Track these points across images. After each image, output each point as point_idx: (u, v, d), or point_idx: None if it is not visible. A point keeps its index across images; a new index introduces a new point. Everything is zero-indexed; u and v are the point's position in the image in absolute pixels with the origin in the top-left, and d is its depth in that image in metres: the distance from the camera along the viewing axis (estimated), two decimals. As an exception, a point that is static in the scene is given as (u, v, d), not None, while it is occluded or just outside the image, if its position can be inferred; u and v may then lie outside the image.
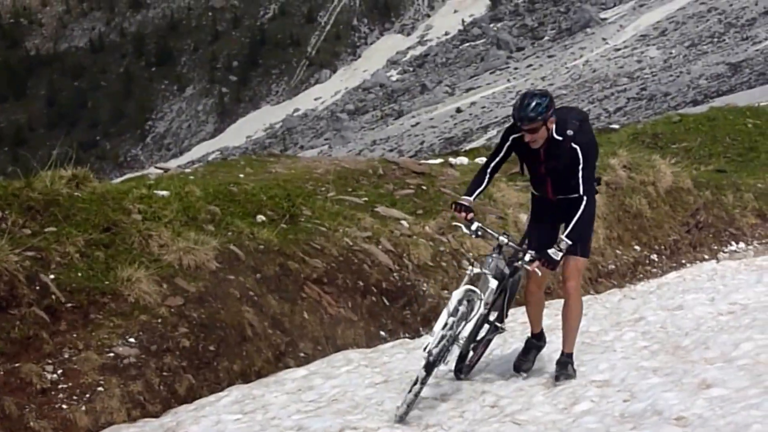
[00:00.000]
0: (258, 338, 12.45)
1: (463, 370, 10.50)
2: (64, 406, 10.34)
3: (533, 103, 9.28)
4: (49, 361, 10.73)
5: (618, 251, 20.35)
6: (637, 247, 20.86)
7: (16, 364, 10.54)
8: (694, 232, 22.32)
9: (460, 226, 9.88)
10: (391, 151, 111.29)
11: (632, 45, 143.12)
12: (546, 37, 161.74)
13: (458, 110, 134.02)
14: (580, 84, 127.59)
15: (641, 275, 19.95)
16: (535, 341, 10.72)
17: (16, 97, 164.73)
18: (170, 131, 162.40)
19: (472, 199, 9.81)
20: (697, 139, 30.43)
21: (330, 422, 9.13)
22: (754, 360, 9.88)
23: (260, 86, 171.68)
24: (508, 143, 9.85)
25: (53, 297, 11.39)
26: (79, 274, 11.82)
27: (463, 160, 24.23)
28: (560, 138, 9.45)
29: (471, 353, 10.54)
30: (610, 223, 20.78)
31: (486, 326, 10.51)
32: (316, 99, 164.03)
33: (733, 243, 22.44)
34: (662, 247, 21.37)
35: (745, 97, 64.54)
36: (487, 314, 10.13)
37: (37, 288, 11.36)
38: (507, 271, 10.15)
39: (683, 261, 20.97)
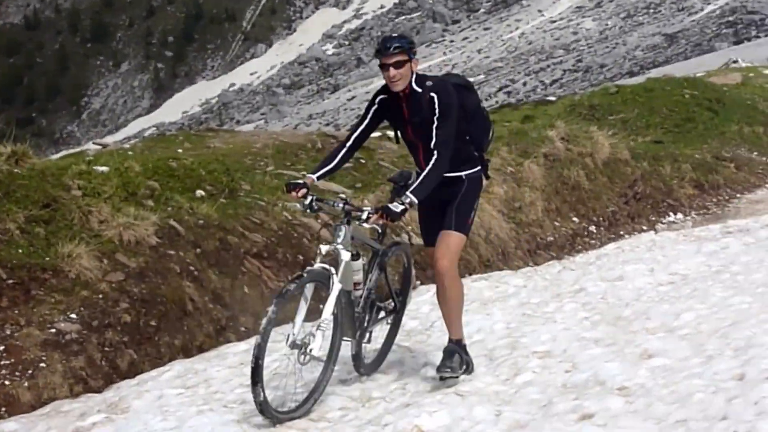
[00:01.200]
0: (199, 313, 12.46)
1: (362, 366, 9.57)
2: (7, 383, 10.29)
3: (398, 37, 8.74)
4: None
5: (556, 223, 20.55)
6: (575, 219, 21.06)
7: None
8: (632, 203, 22.59)
9: (295, 206, 9.32)
10: (327, 124, 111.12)
11: (568, 17, 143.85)
12: (482, 10, 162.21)
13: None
14: (516, 56, 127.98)
15: (580, 247, 20.11)
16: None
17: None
18: (106, 107, 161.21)
19: (314, 177, 8.89)
20: (634, 111, 30.74)
21: (272, 395, 9.17)
22: (696, 330, 9.98)
23: (196, 61, 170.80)
24: (375, 107, 9.05)
25: None
26: (20, 251, 11.78)
27: (401, 133, 24.34)
28: (419, 89, 8.71)
29: (363, 345, 9.49)
30: (548, 194, 21.01)
31: (380, 312, 9.78)
32: (252, 74, 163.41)
33: (671, 214, 22.73)
34: (601, 218, 21.60)
35: (682, 68, 65.09)
36: (367, 296, 9.32)
37: None
38: (370, 243, 9.62)
39: (622, 232, 21.19)
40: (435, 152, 8.51)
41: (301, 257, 14.69)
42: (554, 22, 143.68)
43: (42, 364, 10.60)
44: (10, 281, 11.37)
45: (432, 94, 8.61)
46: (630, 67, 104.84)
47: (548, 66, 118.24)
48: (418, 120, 8.70)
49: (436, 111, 8.56)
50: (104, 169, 14.80)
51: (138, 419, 9.16)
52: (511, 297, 13.23)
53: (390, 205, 8.34)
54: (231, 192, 15.44)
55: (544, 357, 9.69)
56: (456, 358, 8.95)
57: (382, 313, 9.80)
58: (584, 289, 13.11)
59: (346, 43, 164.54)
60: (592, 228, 21.04)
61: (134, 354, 11.46)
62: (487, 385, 8.96)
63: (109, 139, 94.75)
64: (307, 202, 8.67)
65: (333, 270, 8.49)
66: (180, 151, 20.24)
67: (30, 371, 10.46)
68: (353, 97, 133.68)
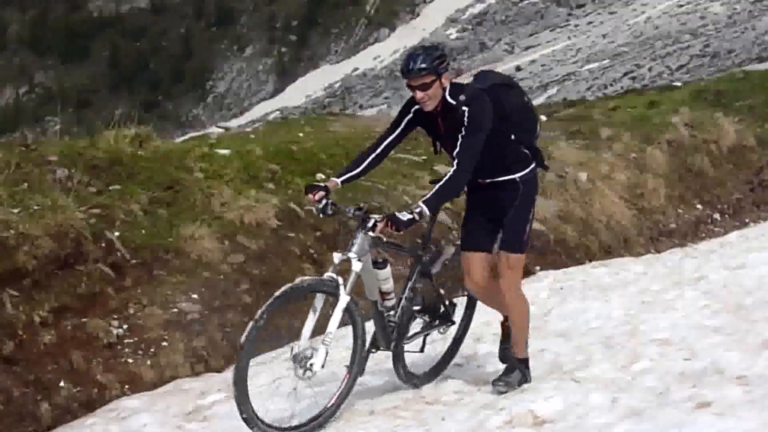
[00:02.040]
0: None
1: (409, 376, 8.93)
2: (130, 361, 10.48)
3: (423, 55, 7.97)
4: (115, 317, 10.89)
5: (680, 210, 20.22)
6: (699, 206, 20.68)
7: (83, 320, 10.69)
8: (757, 190, 21.97)
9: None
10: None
11: (695, 1, 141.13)
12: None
13: (518, 68, 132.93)
14: (642, 41, 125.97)
15: (703, 234, 19.71)
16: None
17: (80, 58, 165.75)
18: (230, 91, 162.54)
19: (338, 180, 8.38)
20: (761, 97, 30.04)
21: (388, 378, 9.12)
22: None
23: (319, 46, 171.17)
24: (408, 116, 8.37)
25: (118, 254, 11.57)
26: (143, 232, 11.98)
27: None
28: (454, 102, 8.01)
29: (406, 354, 8.88)
30: (671, 181, 20.67)
31: (422, 321, 9.11)
32: (375, 58, 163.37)
33: (798, 202, 22.11)
34: (725, 205, 21.14)
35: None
36: (407, 305, 8.72)
37: (103, 245, 11.51)
38: (405, 250, 9.43)
39: (747, 220, 20.67)
40: (455, 162, 7.91)
41: (419, 241, 14.71)
42: (681, 6, 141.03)
43: (164, 343, 10.77)
44: (134, 261, 11.59)
45: (464, 108, 7.95)
46: (759, 52, 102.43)
47: (674, 51, 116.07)
48: (452, 138, 8.01)
49: (465, 123, 7.90)
50: (226, 152, 15.06)
51: (256, 399, 9.11)
52: (630, 284, 13.06)
53: (397, 213, 7.80)
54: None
55: (662, 344, 9.46)
56: (515, 375, 8.54)
57: (434, 322, 9.15)
58: (706, 276, 12.83)
59: (470, 27, 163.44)
60: (716, 215, 20.63)
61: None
62: (604, 371, 8.81)
63: (233, 123, 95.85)
64: (322, 206, 8.21)
65: (340, 280, 7.90)
66: (301, 134, 20.31)
67: (152, 350, 10.64)
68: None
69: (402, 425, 7.98)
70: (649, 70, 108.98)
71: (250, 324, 7.61)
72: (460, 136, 7.88)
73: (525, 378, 8.53)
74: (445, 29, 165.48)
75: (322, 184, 8.30)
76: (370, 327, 8.62)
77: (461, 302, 9.54)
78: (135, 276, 11.48)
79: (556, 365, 9.27)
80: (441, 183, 7.91)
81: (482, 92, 8.08)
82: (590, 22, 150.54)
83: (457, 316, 9.39)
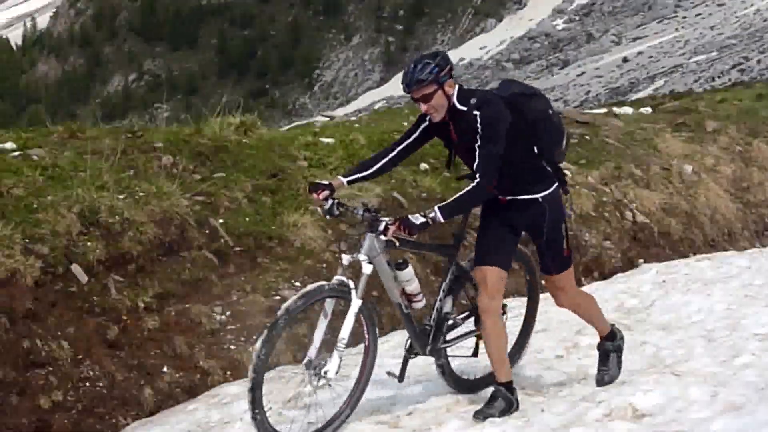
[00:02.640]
0: (422, 284, 12.54)
1: (456, 382, 8.65)
2: (232, 347, 10.55)
3: (421, 64, 7.54)
4: (218, 303, 10.97)
5: (786, 204, 20.00)
6: (807, 199, 20.43)
7: (187, 306, 10.79)
8: None
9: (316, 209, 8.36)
10: (555, 100, 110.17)
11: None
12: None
13: (624, 60, 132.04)
14: (750, 33, 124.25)
15: (810, 228, 19.53)
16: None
17: (189, 46, 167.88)
18: (337, 80, 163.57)
19: (345, 180, 8.11)
20: None
21: (489, 369, 9.16)
22: None
23: (426, 35, 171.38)
24: (424, 124, 8.01)
25: (222, 240, 11.66)
26: (247, 219, 12.06)
27: (628, 110, 24.11)
28: (464, 108, 7.60)
29: (448, 359, 8.57)
30: (776, 174, 20.46)
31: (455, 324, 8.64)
32: (481, 48, 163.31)
33: None
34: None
35: None
36: (441, 307, 8.37)
37: (207, 232, 11.62)
38: (430, 249, 9.40)
39: None
40: (477, 175, 7.46)
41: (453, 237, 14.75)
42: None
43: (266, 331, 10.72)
44: (237, 248, 11.67)
45: (475, 112, 7.51)
46: None
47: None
48: (467, 144, 7.62)
49: (479, 130, 7.45)
50: (330, 140, 15.11)
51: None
52: (733, 278, 12.91)
53: (410, 216, 7.45)
54: (454, 167, 15.47)
55: (764, 339, 9.41)
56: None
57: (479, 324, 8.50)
58: (811, 272, 12.62)
59: (577, 18, 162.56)
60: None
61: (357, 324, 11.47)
62: (704, 365, 8.74)
63: (339, 112, 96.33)
64: (328, 206, 7.86)
65: (352, 284, 7.69)
66: (405, 124, 20.38)
67: (254, 337, 10.41)
68: (582, 73, 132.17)
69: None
70: (758, 62, 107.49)
71: (264, 333, 7.48)
72: (476, 147, 7.47)
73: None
74: (551, 20, 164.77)
75: (326, 182, 7.98)
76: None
77: (520, 303, 9.57)
78: (238, 263, 11.53)
79: (656, 358, 9.25)
80: (462, 192, 7.54)
81: (495, 96, 7.74)
82: (698, 14, 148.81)
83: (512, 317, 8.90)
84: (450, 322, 8.42)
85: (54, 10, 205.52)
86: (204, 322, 10.68)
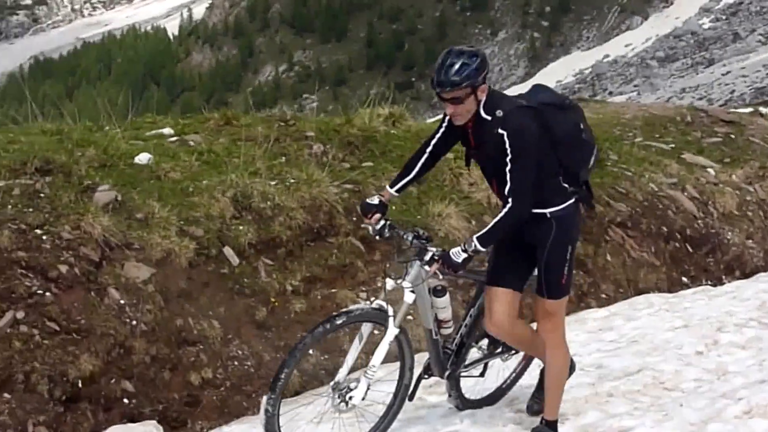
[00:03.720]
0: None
1: (463, 401, 8.21)
2: (376, 332, 10.43)
3: (458, 63, 6.72)
4: (363, 289, 11.07)
5: None
6: None
7: (333, 290, 10.93)
8: None
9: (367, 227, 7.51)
10: (700, 99, 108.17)
11: None
12: None
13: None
14: None
15: None
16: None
17: (338, 38, 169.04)
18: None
19: (393, 190, 7.56)
20: None
21: (629, 362, 9.09)
22: None
23: (571, 32, 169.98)
24: (445, 124, 7.37)
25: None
26: (393, 208, 11.80)
27: (774, 110, 23.57)
28: (488, 117, 6.83)
29: (461, 380, 8.11)
30: None
31: (484, 349, 8.17)
32: (626, 45, 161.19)
33: None
34: None
35: None
36: (467, 332, 7.85)
37: (354, 219, 11.61)
38: (469, 276, 8.22)
39: None
40: (509, 199, 6.77)
41: (664, 228, 14.48)
42: None
43: (409, 317, 10.42)
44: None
45: (501, 131, 6.73)
46: None
47: None
48: (484, 153, 7.00)
49: (508, 152, 6.72)
50: None
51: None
52: None
53: (452, 253, 6.91)
54: (598, 161, 15.38)
55: None
56: None
57: (496, 349, 8.15)
58: None
59: (723, 17, 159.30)
60: None
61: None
62: None
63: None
64: (378, 227, 7.35)
65: (391, 311, 7.16)
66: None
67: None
68: (728, 72, 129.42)
69: (640, 408, 7.94)
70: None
71: (284, 366, 6.96)
72: (508, 169, 6.73)
73: None
74: (698, 18, 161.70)
75: (376, 202, 7.45)
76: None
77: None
78: (384, 250, 11.46)
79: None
80: (497, 218, 6.86)
81: (521, 109, 6.91)
82: None
83: None
84: (471, 348, 7.97)
85: (210, 1, 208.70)
86: (350, 306, 10.46)
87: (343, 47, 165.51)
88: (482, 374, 8.16)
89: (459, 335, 7.75)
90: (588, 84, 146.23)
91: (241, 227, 10.78)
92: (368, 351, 7.32)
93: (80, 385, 8.79)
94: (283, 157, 12.38)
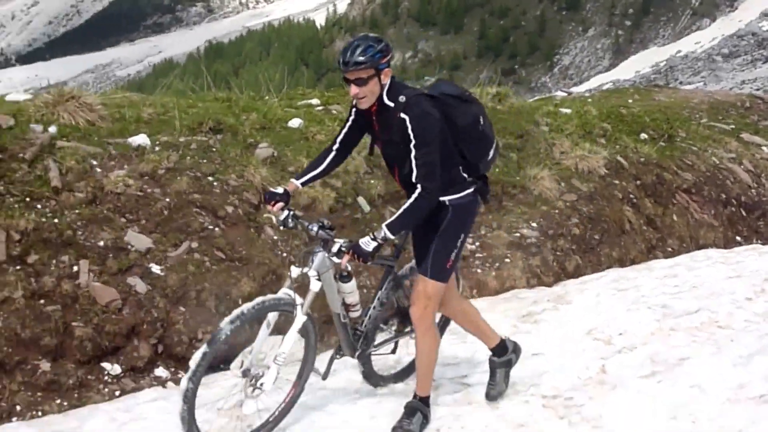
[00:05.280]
0: (634, 232, 12.32)
1: (375, 378, 7.26)
2: (479, 271, 10.53)
3: (363, 46, 5.88)
4: (471, 236, 10.81)
5: None
6: None
7: None
8: None
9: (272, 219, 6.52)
10: (758, 89, 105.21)
11: None
12: None
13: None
14: None
15: None
16: (497, 358, 6.99)
17: (455, 31, 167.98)
18: (573, 64, 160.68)
19: (298, 183, 6.44)
20: None
21: (689, 304, 8.92)
22: None
23: (650, 30, 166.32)
24: (351, 117, 6.41)
25: None
26: (496, 170, 11.95)
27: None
28: (391, 103, 5.94)
29: (373, 358, 7.16)
30: None
31: (394, 329, 7.20)
32: (696, 43, 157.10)
33: None
34: None
35: None
36: (376, 315, 6.83)
37: None
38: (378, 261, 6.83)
39: None
40: (418, 185, 5.84)
41: (723, 195, 14.30)
42: None
43: (506, 260, 10.78)
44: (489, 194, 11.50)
45: (403, 115, 5.86)
46: None
47: None
48: (387, 139, 6.07)
49: (411, 138, 5.84)
50: (567, 111, 15.08)
51: (577, 311, 9.20)
52: None
53: (361, 242, 5.91)
54: (669, 137, 15.20)
55: None
56: (417, 417, 6.47)
57: (405, 328, 7.14)
58: None
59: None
60: None
61: (579, 259, 11.44)
62: None
63: (573, 89, 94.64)
64: (282, 217, 6.31)
65: (298, 299, 6.19)
66: (630, 101, 20.07)
67: (497, 264, 10.66)
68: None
69: (697, 342, 7.85)
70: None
71: (203, 347, 5.87)
72: (413, 155, 5.86)
73: (426, 419, 6.53)
74: (758, 21, 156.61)
75: (280, 191, 6.38)
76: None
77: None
78: (487, 206, 11.39)
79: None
80: (404, 207, 5.88)
81: (423, 97, 6.04)
82: None
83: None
84: (380, 329, 7.04)
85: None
86: None
87: (459, 38, 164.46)
88: (393, 351, 7.24)
89: (368, 317, 6.76)
90: (662, 74, 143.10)
91: (372, 181, 10.76)
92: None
93: (240, 302, 8.65)
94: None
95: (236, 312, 5.96)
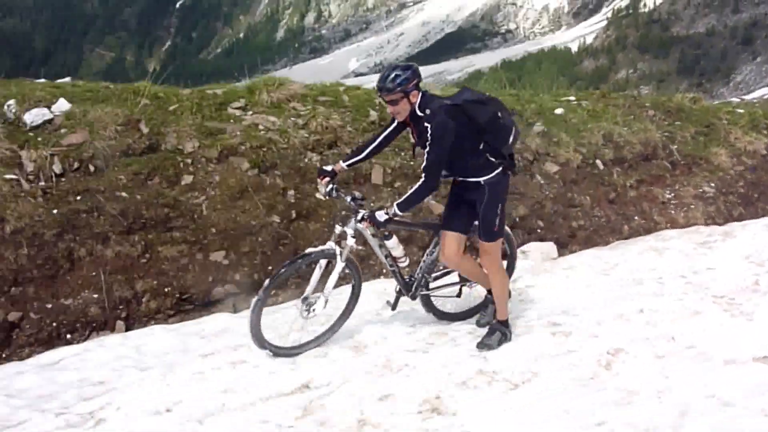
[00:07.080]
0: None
1: (439, 314, 6.83)
2: (672, 212, 10.82)
3: (392, 75, 5.66)
4: (668, 189, 11.23)
5: None
6: None
7: (651, 187, 11.00)
8: None
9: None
10: None
11: None
12: None
13: None
14: None
15: None
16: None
17: (663, 56, 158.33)
18: (743, 81, 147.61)
19: (345, 165, 6.22)
20: None
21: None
22: None
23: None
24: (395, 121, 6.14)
25: (675, 156, 11.72)
26: (689, 147, 11.97)
27: None
28: (421, 115, 5.74)
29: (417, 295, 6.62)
30: None
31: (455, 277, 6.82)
32: None
33: None
34: None
35: None
36: (426, 266, 6.52)
37: (667, 151, 11.70)
38: (418, 226, 7.02)
39: None
40: (423, 175, 5.69)
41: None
42: None
43: (692, 206, 10.95)
44: (682, 162, 11.67)
45: (427, 124, 5.67)
46: None
47: None
48: (422, 143, 5.75)
49: (428, 139, 5.63)
50: (740, 111, 14.24)
51: (738, 242, 8.70)
52: None
53: (376, 214, 5.80)
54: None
55: None
56: (496, 336, 6.19)
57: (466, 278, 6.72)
58: None
59: None
60: None
61: (743, 210, 11.38)
62: None
63: (744, 97, 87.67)
64: (328, 189, 6.10)
65: (338, 249, 6.01)
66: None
67: (685, 209, 10.91)
68: None
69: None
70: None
71: (266, 282, 5.89)
72: (425, 153, 5.67)
73: (505, 336, 6.22)
74: None
75: (329, 169, 6.17)
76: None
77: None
78: (681, 170, 11.53)
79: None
80: (412, 190, 5.72)
81: (444, 108, 5.75)
82: None
83: None
84: (432, 276, 6.60)
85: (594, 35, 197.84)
86: (659, 197, 10.94)
87: (666, 61, 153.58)
88: (459, 295, 6.80)
89: (420, 268, 6.53)
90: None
91: (605, 150, 10.97)
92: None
93: (517, 220, 9.32)
94: (632, 116, 12.24)
95: (288, 261, 5.98)
